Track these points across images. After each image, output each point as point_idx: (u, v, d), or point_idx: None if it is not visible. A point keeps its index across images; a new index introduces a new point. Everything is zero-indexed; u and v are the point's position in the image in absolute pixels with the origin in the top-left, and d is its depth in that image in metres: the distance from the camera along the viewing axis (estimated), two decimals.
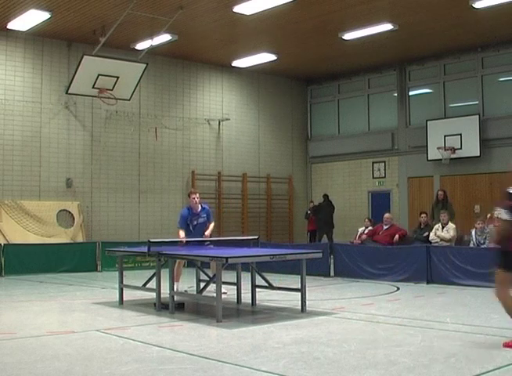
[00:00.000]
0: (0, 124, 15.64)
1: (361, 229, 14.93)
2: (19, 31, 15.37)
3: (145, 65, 15.73)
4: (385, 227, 14.19)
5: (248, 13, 14.25)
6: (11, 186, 15.67)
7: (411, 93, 19.35)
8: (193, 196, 10.06)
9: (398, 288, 11.22)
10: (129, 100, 16.42)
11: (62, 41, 16.46)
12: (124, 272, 9.79)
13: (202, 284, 9.41)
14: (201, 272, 9.88)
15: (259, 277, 9.02)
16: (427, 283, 11.73)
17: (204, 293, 8.50)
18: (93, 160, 16.99)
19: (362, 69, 19.91)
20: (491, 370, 5.10)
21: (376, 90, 20.12)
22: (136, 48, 16.61)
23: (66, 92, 15.65)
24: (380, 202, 19.55)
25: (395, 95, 19.60)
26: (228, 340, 6.53)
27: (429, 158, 18.07)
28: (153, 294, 8.88)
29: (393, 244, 13.56)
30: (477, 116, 17.25)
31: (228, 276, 9.13)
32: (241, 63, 18.78)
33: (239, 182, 19.76)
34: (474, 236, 12.85)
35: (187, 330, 7.12)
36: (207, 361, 5.53)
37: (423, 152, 18.16)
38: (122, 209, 17.48)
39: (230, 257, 7.67)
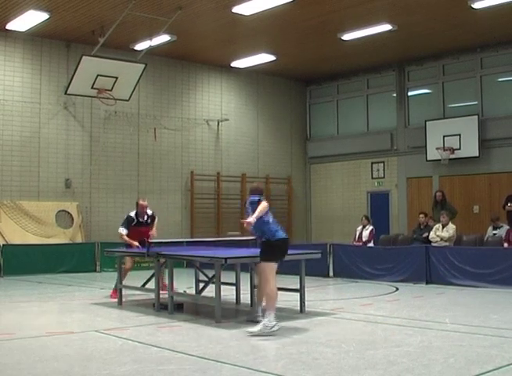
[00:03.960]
0: None
1: (359, 229, 14.92)
2: (18, 32, 15.37)
3: (144, 65, 15.72)
4: None
5: (247, 14, 14.26)
6: (10, 187, 15.66)
7: (410, 93, 19.36)
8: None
9: (397, 289, 11.22)
10: (128, 101, 16.41)
11: (61, 42, 16.46)
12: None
13: (201, 285, 9.40)
14: (200, 273, 9.87)
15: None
16: (426, 283, 11.74)
17: (204, 293, 8.50)
18: (92, 161, 16.99)
19: (361, 69, 19.91)
20: (490, 371, 5.10)
21: (375, 90, 20.12)
22: (135, 48, 16.61)
23: (65, 93, 15.64)
24: (379, 202, 19.56)
25: (394, 95, 19.60)
26: (227, 340, 6.53)
27: (428, 158, 18.08)
28: (152, 295, 8.88)
29: None
30: (477, 116, 17.25)
31: (228, 276, 9.12)
32: (240, 63, 18.78)
33: (238, 183, 19.75)
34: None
35: (186, 330, 7.12)
36: (206, 361, 5.53)
37: (422, 152, 18.16)
38: (121, 209, 17.41)
39: (229, 257, 7.68)
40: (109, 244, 13.80)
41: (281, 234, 7.30)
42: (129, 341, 6.43)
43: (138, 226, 10.28)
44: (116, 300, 9.59)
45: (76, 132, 16.82)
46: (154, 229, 10.50)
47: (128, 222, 10.23)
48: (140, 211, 10.39)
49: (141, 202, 10.48)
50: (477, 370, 5.11)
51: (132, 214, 10.38)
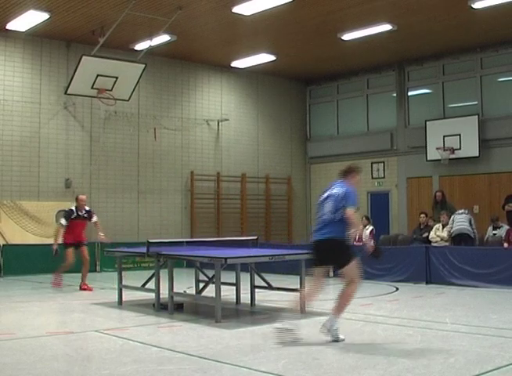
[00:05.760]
0: None
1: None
2: (18, 32, 15.35)
3: (144, 65, 15.73)
4: None
5: (247, 14, 14.25)
6: (10, 187, 15.66)
7: (410, 93, 19.35)
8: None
9: (397, 289, 11.23)
10: (128, 101, 16.41)
11: (61, 42, 16.46)
12: (123, 273, 9.81)
13: (201, 285, 9.41)
14: (200, 273, 9.88)
15: (258, 278, 9.03)
16: (426, 283, 11.74)
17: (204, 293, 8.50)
18: (92, 161, 16.99)
19: (361, 69, 19.91)
20: (490, 371, 5.10)
21: (375, 90, 20.12)
22: (135, 48, 16.61)
23: (65, 93, 15.64)
24: (379, 203, 19.55)
25: (394, 95, 19.59)
26: (228, 340, 6.53)
27: (428, 158, 18.07)
28: (152, 295, 8.88)
29: None
30: (477, 116, 17.24)
31: (228, 276, 9.12)
32: (240, 63, 18.77)
33: (238, 183, 19.75)
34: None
35: (186, 330, 7.12)
36: (207, 361, 5.53)
37: (422, 152, 18.15)
38: (121, 210, 17.47)
39: (229, 257, 7.68)
40: (109, 244, 13.81)
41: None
42: (129, 341, 6.43)
43: (76, 220, 11.61)
44: (60, 288, 11.25)
45: (76, 132, 16.82)
46: (101, 233, 11.79)
47: (68, 215, 11.52)
48: (79, 204, 11.68)
49: (80, 196, 11.88)
50: (477, 370, 5.11)
51: (73, 207, 11.65)
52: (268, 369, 5.20)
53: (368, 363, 5.38)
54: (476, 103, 17.73)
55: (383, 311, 8.59)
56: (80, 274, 14.37)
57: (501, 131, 16.93)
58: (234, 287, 9.36)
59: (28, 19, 14.52)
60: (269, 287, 9.01)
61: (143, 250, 9.07)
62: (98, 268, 15.15)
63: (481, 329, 7.03)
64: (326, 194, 6.74)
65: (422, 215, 14.24)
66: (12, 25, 14.89)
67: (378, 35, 15.90)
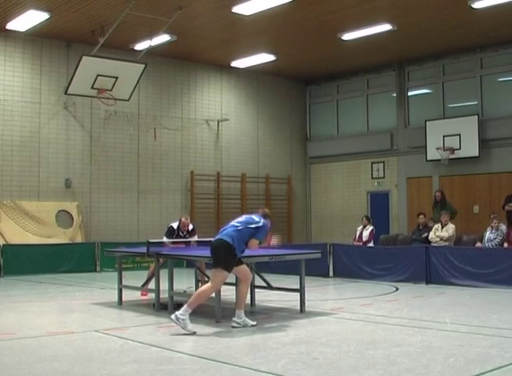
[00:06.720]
0: None
1: (359, 229, 14.93)
2: (18, 32, 15.37)
3: (144, 65, 15.73)
4: None
5: (247, 14, 14.26)
6: (10, 187, 15.67)
7: (410, 93, 19.36)
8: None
9: (397, 289, 11.22)
10: (128, 101, 16.41)
11: (61, 42, 16.47)
12: (123, 273, 9.81)
13: (201, 285, 9.40)
14: (200, 273, 9.87)
15: (258, 278, 9.03)
16: (426, 283, 11.73)
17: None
18: (92, 161, 16.99)
19: (361, 69, 19.92)
20: (490, 371, 5.09)
21: (375, 90, 20.12)
22: (135, 48, 16.62)
23: (65, 93, 15.64)
24: (379, 202, 19.56)
25: (394, 95, 19.60)
26: (227, 340, 6.53)
27: (428, 158, 18.08)
28: (152, 295, 8.88)
29: None
30: (476, 116, 17.25)
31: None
32: (240, 63, 18.78)
33: (238, 183, 19.76)
34: (487, 234, 12.93)
35: None
36: (206, 361, 5.53)
37: (422, 152, 18.16)
38: (121, 209, 17.48)
39: None
40: (109, 244, 13.82)
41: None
42: (129, 341, 6.43)
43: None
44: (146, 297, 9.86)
45: (76, 132, 16.82)
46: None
47: (169, 233, 10.36)
48: (182, 226, 10.42)
49: (183, 220, 10.49)
50: (477, 370, 5.11)
51: (174, 225, 10.46)
52: (268, 369, 5.20)
53: (368, 363, 5.38)
54: (476, 102, 17.74)
55: (383, 311, 8.59)
56: (78, 274, 14.40)
57: (501, 132, 16.94)
58: (234, 287, 9.34)
59: (28, 19, 14.53)
60: (269, 287, 9.01)
61: (143, 250, 9.07)
62: (98, 268, 15.14)
63: (481, 329, 7.03)
64: None
65: (421, 216, 14.22)
66: (12, 25, 14.90)
67: (378, 35, 15.90)
